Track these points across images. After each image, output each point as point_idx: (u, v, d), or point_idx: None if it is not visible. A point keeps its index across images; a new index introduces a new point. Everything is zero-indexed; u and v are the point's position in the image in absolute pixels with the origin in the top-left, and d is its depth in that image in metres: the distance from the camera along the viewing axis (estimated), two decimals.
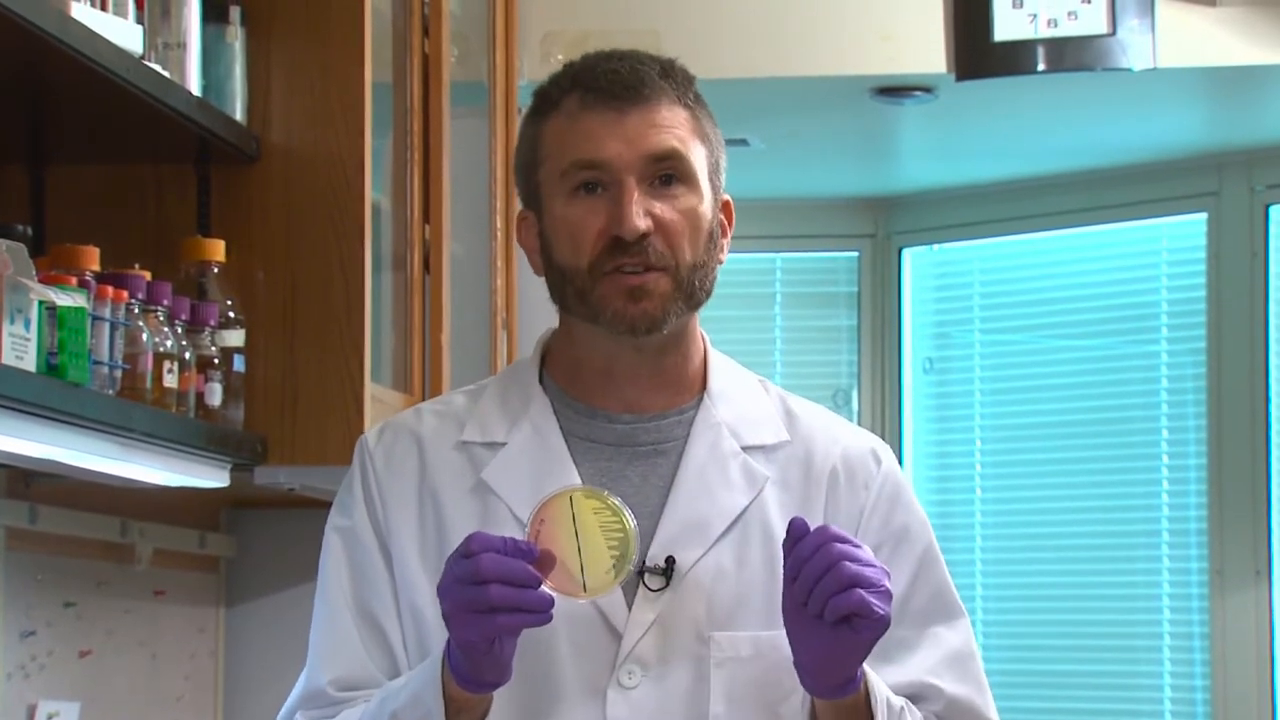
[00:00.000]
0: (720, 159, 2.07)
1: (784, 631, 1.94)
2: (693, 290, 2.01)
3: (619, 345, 2.03)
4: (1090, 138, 4.87)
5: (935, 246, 5.51)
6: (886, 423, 5.44)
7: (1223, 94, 4.49)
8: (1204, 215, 5.08)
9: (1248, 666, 4.95)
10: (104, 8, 2.39)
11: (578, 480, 2.01)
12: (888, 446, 2.14)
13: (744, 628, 1.99)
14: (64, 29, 2.23)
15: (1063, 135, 4.86)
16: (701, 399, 2.07)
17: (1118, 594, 5.18)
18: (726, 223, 2.07)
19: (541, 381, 2.08)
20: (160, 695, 3.19)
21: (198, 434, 2.62)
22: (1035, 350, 5.34)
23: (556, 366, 2.09)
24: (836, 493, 2.06)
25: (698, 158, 2.02)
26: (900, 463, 5.35)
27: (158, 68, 2.56)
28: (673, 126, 2.01)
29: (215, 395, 2.69)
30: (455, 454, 2.06)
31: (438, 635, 1.96)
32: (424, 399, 3.20)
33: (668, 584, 1.98)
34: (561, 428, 2.05)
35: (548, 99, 2.03)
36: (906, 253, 5.51)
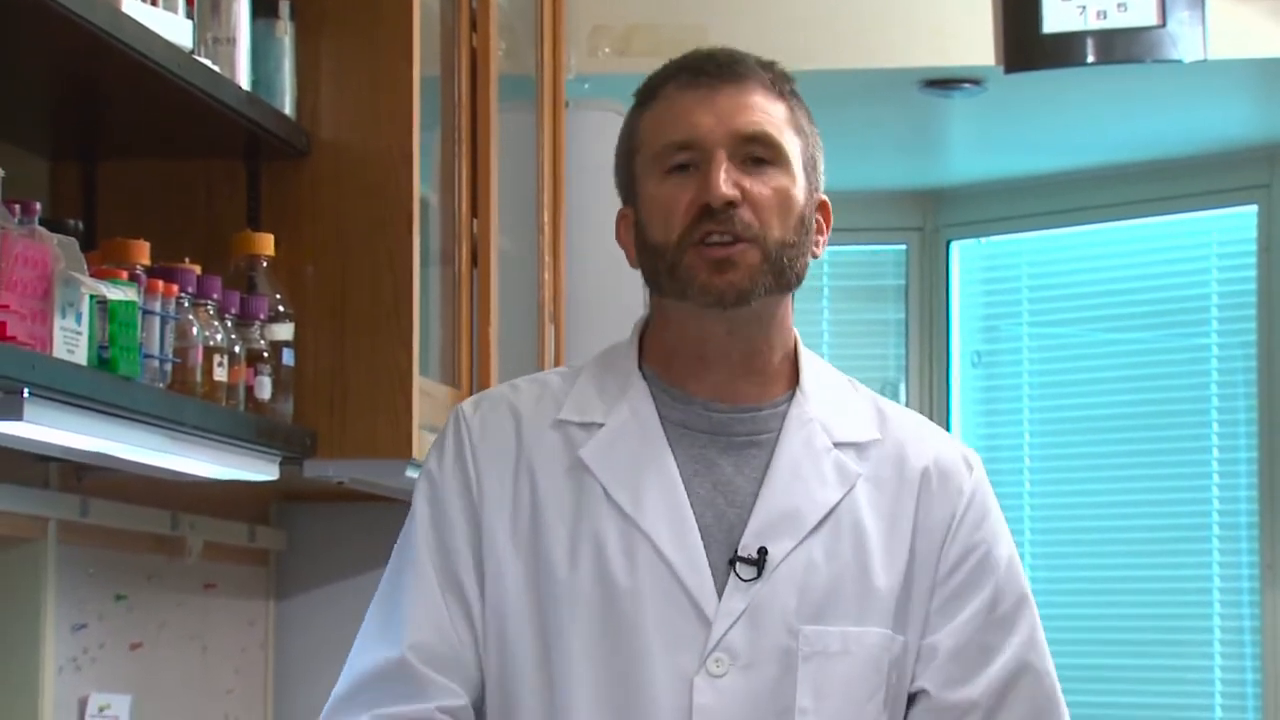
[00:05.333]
0: (817, 155, 2.07)
1: (873, 628, 1.99)
2: (782, 268, 2.01)
3: (711, 325, 2.02)
4: (1140, 130, 4.85)
5: (984, 239, 5.49)
6: (934, 416, 5.41)
7: (1274, 85, 4.46)
8: (1255, 207, 5.05)
9: None
10: (155, 3, 2.39)
11: (673, 465, 2.02)
12: (977, 455, 2.15)
13: (833, 622, 2.00)
14: (116, 24, 2.24)
15: (1112, 127, 4.84)
16: (794, 394, 2.07)
17: (1167, 588, 5.15)
18: (824, 221, 2.07)
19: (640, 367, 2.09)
20: (211, 688, 3.20)
21: (248, 427, 2.62)
22: (1084, 343, 5.32)
23: (651, 352, 2.08)
24: (929, 494, 2.07)
25: (791, 144, 2.03)
26: None
27: (208, 63, 2.56)
28: (765, 110, 2.02)
29: (265, 389, 2.70)
30: (552, 432, 2.05)
31: (515, 619, 1.99)
32: (471, 393, 3.21)
33: (759, 574, 1.99)
34: (659, 412, 2.05)
35: (648, 89, 2.07)
36: (955, 245, 5.49)
